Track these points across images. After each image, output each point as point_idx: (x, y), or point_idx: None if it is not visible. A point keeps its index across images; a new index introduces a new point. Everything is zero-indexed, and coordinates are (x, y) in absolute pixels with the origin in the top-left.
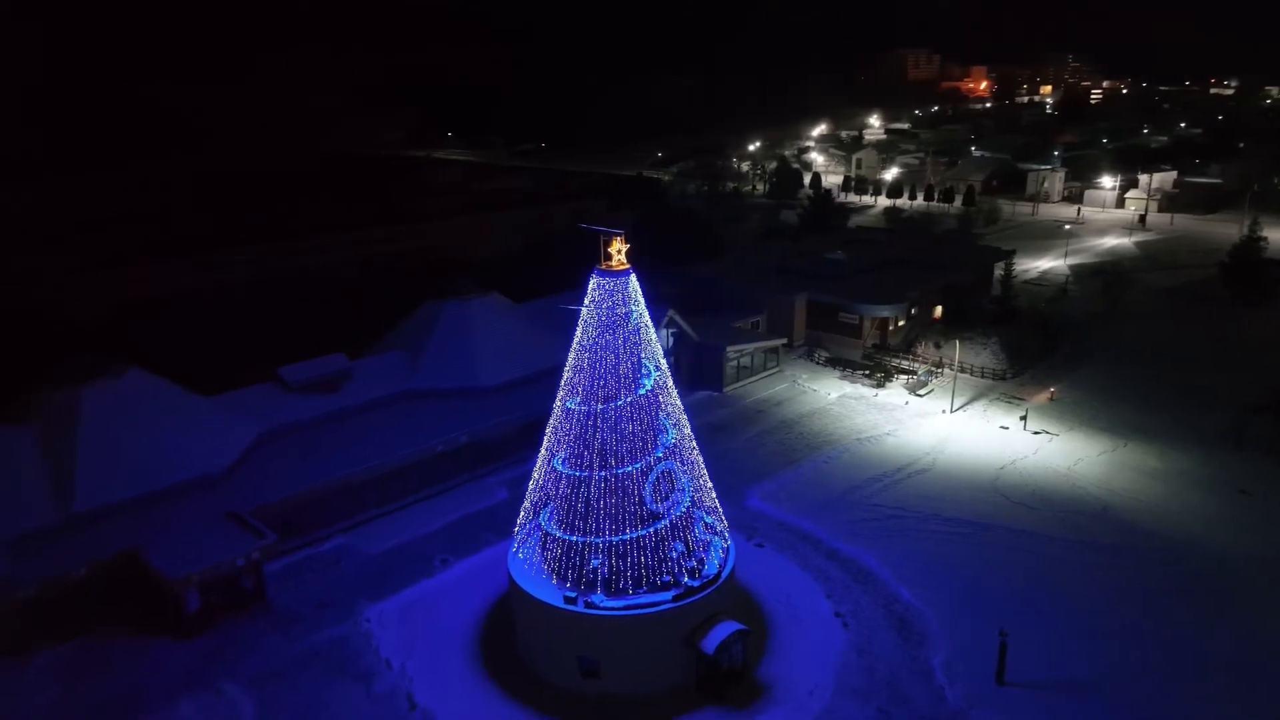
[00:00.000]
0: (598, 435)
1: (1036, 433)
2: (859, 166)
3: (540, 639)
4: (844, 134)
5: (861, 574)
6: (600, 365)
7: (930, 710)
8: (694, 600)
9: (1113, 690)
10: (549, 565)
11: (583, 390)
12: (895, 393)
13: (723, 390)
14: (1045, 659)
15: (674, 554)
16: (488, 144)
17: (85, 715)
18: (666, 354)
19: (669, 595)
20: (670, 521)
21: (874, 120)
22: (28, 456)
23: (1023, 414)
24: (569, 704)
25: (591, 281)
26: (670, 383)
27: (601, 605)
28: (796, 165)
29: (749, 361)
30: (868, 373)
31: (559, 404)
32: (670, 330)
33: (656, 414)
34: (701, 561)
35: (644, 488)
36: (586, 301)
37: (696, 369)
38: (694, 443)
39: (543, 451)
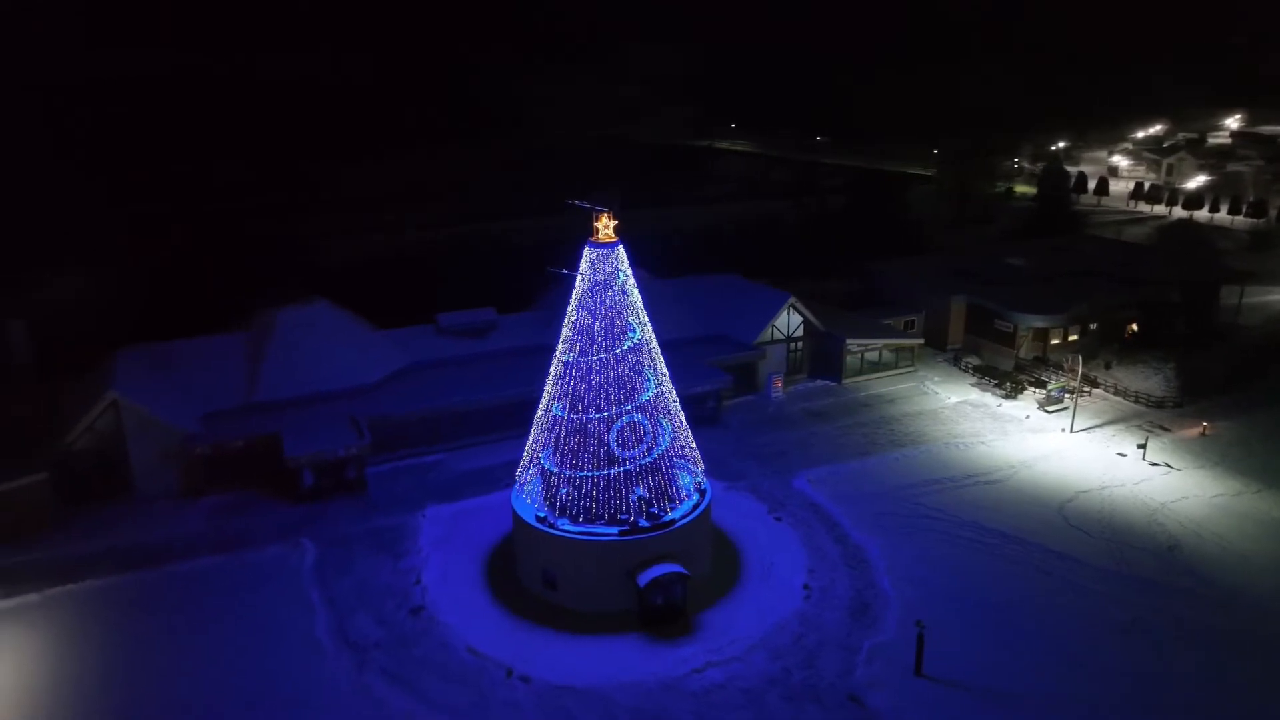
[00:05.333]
0: (570, 383)
1: (1154, 464)
2: (1169, 172)
3: (522, 551)
4: (1179, 135)
5: (857, 560)
6: (579, 324)
7: (830, 681)
8: (638, 538)
9: (1028, 704)
10: (541, 490)
11: (566, 344)
12: (1024, 406)
13: (840, 381)
14: (984, 667)
15: (633, 497)
16: (775, 134)
17: (211, 542)
18: (790, 339)
19: (616, 530)
20: (633, 468)
21: (1232, 121)
22: (235, 356)
23: (1141, 442)
24: (534, 608)
25: (585, 251)
26: (651, 347)
27: (560, 528)
28: (1079, 168)
29: (876, 356)
30: (998, 382)
31: (556, 356)
32: (796, 318)
33: (629, 371)
34: (665, 509)
35: (608, 434)
36: (581, 269)
37: (819, 357)
38: (677, 403)
39: (544, 395)
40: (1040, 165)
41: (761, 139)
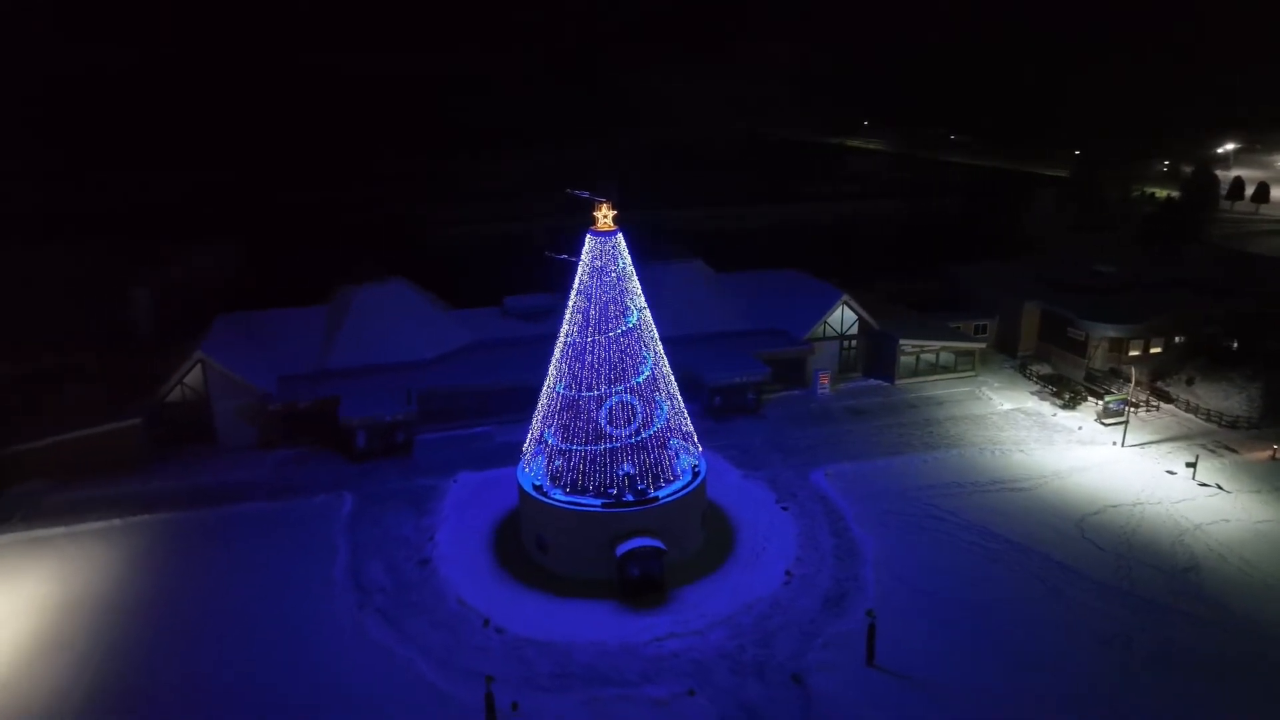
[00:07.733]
0: (565, 363)
1: (1203, 484)
2: None
3: (522, 516)
4: None
5: (848, 553)
6: (576, 309)
7: (779, 661)
8: (619, 511)
9: (968, 699)
10: (543, 461)
11: (568, 326)
12: (1081, 417)
13: (894, 381)
14: (939, 662)
15: (620, 473)
16: (910, 133)
17: (270, 489)
18: (844, 336)
19: (599, 502)
20: (620, 445)
21: None
22: (317, 327)
23: (1191, 461)
24: (529, 571)
25: (586, 239)
26: (647, 332)
27: (552, 497)
28: (1235, 173)
29: (933, 358)
30: (1056, 391)
31: (560, 337)
32: (851, 315)
33: (622, 354)
34: (651, 487)
35: (598, 412)
36: (583, 256)
37: (874, 356)
38: (674, 386)
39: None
40: (1192, 169)
41: (895, 137)
